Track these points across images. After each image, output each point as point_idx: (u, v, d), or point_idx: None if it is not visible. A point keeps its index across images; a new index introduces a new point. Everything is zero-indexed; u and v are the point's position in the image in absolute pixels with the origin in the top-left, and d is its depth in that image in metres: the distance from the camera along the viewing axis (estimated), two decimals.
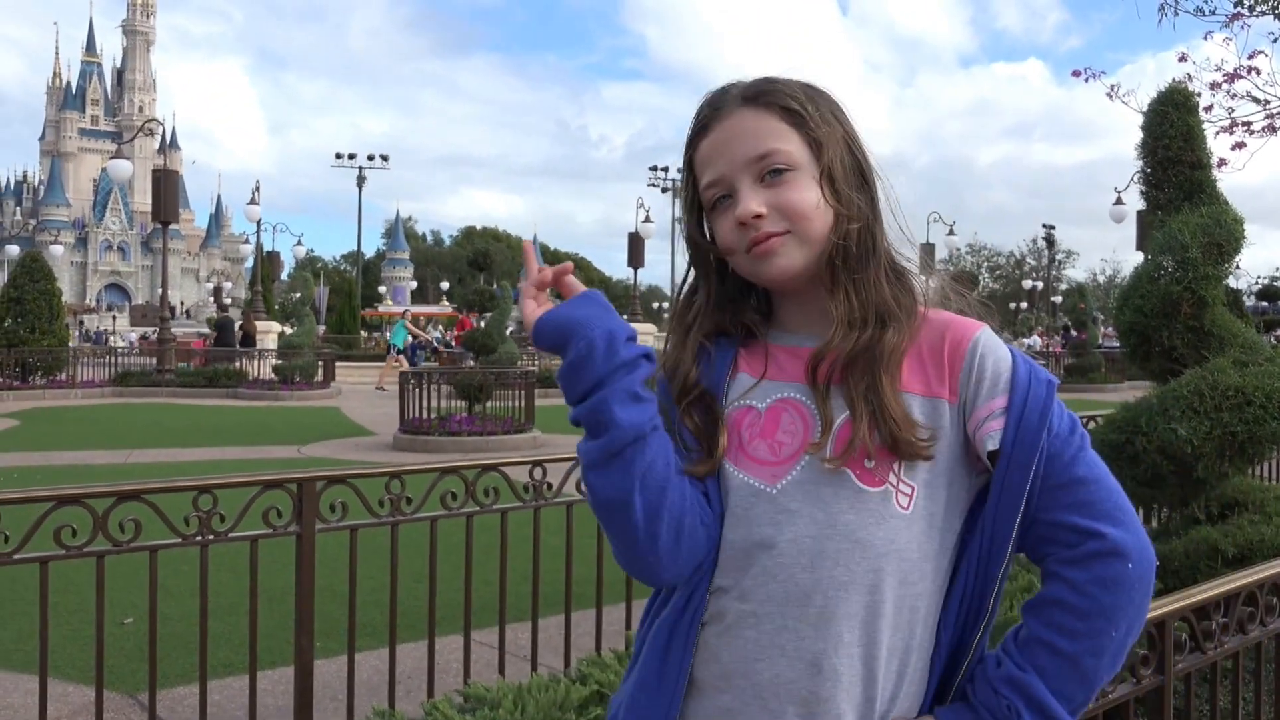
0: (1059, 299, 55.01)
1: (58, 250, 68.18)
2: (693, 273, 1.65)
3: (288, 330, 31.01)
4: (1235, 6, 8.36)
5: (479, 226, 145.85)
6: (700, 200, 1.58)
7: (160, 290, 31.69)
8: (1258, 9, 8.36)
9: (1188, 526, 5.25)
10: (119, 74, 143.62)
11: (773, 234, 1.48)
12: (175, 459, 14.09)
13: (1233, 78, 8.55)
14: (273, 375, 26.95)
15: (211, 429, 18.18)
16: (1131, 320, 5.61)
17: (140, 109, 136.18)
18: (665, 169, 57.96)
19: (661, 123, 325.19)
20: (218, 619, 4.37)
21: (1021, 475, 1.40)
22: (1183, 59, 8.87)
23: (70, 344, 30.11)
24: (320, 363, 27.89)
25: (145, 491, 3.79)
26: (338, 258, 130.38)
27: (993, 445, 1.41)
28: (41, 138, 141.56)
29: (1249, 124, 8.63)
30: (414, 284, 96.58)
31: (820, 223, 1.49)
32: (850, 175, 1.54)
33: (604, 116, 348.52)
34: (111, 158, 30.59)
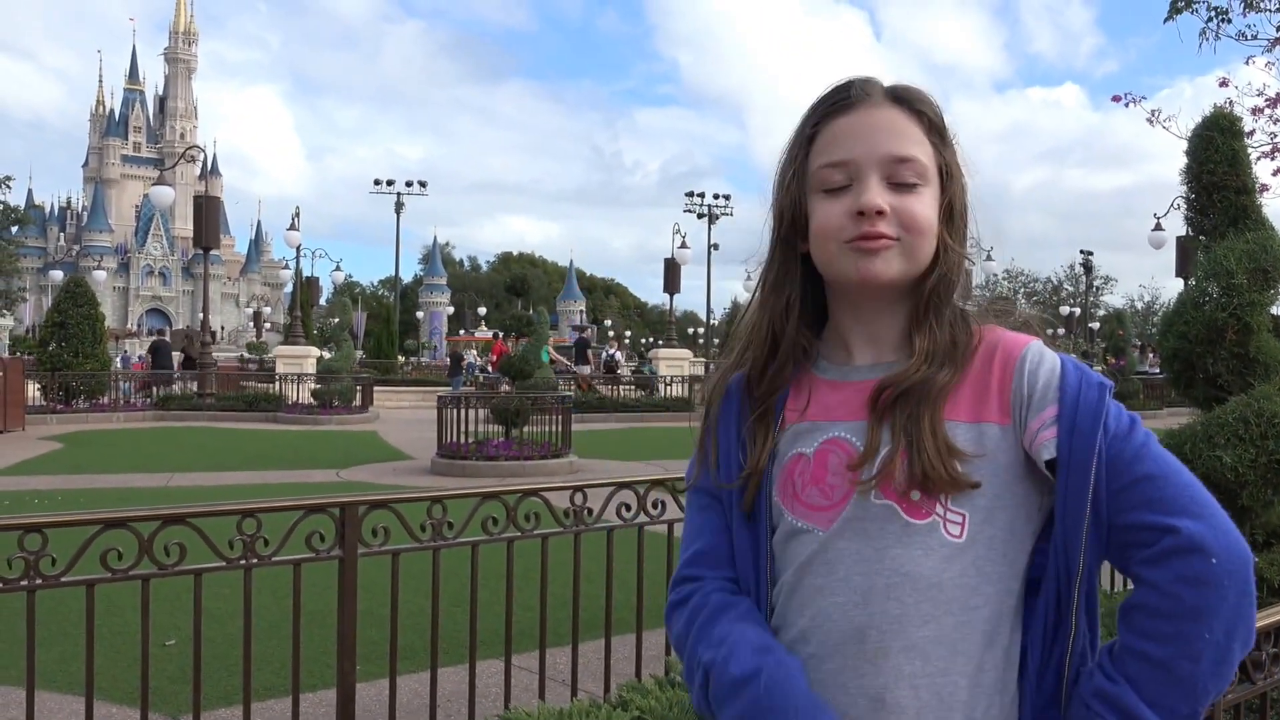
0: (1096, 325, 55.02)
1: (101, 275, 67.75)
2: (774, 264, 1.59)
3: (326, 355, 31.16)
4: (1277, 31, 8.38)
5: (515, 252, 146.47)
6: (805, 176, 1.53)
7: (201, 315, 31.84)
8: None
9: (1263, 553, 5.10)
10: (161, 101, 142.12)
11: (885, 235, 1.45)
12: (217, 483, 14.14)
13: (1275, 102, 8.55)
14: (311, 400, 26.99)
15: (252, 453, 18.22)
16: (1175, 346, 5.52)
17: (182, 135, 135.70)
18: (701, 195, 57.81)
19: (695, 148, 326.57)
20: (260, 641, 4.34)
21: (1081, 480, 1.36)
22: (1224, 84, 8.95)
23: (112, 367, 30.17)
24: (358, 387, 27.94)
25: (190, 515, 3.80)
26: (375, 283, 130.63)
27: (1049, 454, 1.39)
28: (85, 164, 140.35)
29: None
30: (451, 309, 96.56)
31: (928, 245, 1.48)
32: (964, 210, 1.55)
33: (638, 142, 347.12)
34: (154, 184, 30.60)
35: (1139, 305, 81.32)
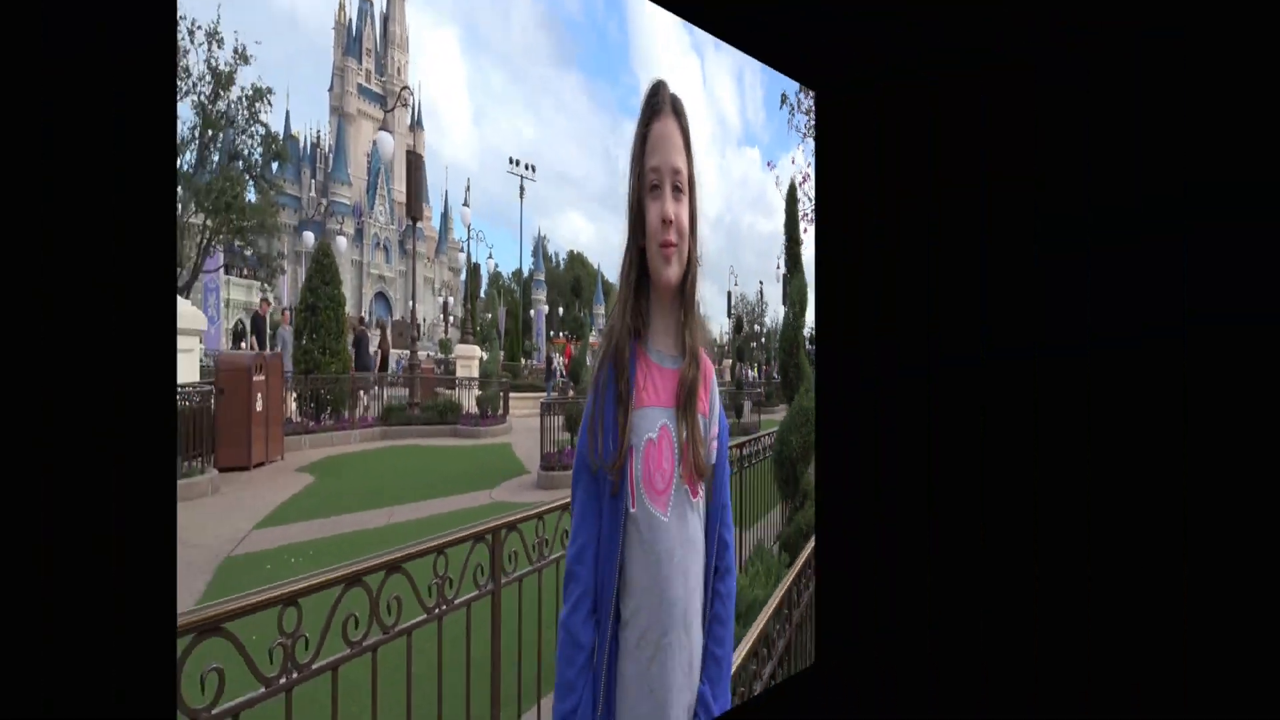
0: (764, 338, 62.14)
1: (342, 244, 51.39)
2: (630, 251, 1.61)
3: (484, 356, 24.39)
4: (804, 129, 11.04)
5: (575, 251, 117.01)
6: (643, 174, 1.56)
7: (410, 303, 24.23)
8: (807, 137, 10.89)
9: (801, 511, 6.73)
10: (385, 22, 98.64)
11: (673, 243, 1.52)
12: (416, 515, 10.01)
13: (805, 179, 10.87)
14: (475, 408, 20.87)
15: (438, 475, 13.15)
16: (783, 359, 7.45)
17: (399, 70, 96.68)
18: None
19: None
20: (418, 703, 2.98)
21: (720, 489, 1.57)
22: (794, 161, 11.66)
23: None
24: (500, 394, 20.91)
25: (404, 560, 2.77)
26: (509, 275, 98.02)
27: (711, 461, 1.55)
28: (330, 88, 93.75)
29: (809, 214, 10.57)
30: (546, 307, 71.66)
31: (687, 247, 1.54)
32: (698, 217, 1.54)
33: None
34: (379, 129, 24.56)
35: (777, 325, 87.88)
